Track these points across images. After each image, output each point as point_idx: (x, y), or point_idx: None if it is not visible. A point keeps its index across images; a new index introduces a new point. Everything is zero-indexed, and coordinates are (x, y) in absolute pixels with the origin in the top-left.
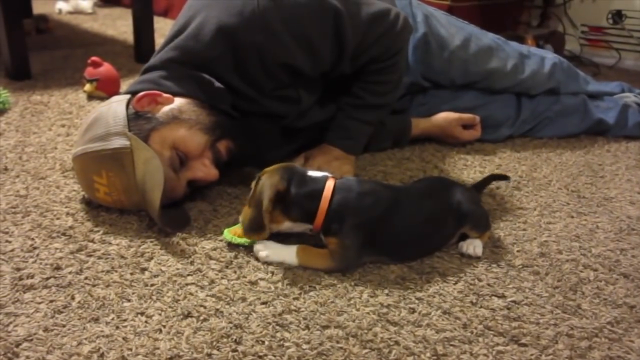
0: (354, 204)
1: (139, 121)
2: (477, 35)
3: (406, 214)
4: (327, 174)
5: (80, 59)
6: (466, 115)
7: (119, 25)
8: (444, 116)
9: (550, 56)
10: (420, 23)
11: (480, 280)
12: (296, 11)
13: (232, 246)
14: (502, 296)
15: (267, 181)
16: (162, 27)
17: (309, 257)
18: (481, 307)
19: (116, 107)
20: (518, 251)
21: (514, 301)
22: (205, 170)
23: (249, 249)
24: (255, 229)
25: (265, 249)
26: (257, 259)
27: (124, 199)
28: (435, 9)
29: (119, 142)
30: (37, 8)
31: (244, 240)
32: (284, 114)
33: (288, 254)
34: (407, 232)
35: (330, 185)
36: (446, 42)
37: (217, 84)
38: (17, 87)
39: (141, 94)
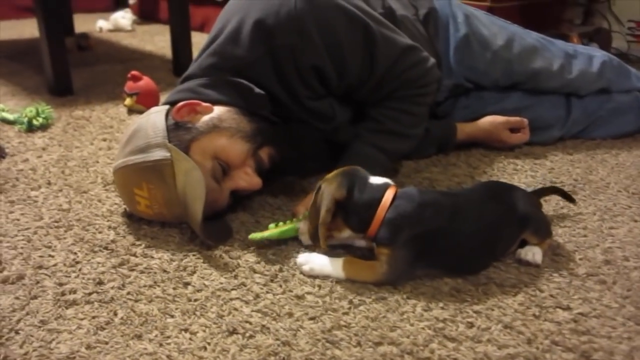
0: (413, 214)
1: (179, 132)
2: (521, 34)
3: (467, 223)
4: (388, 182)
5: (120, 75)
6: (513, 119)
7: (157, 40)
8: (490, 120)
9: (599, 54)
10: (461, 23)
11: (541, 291)
12: (330, 18)
13: (275, 259)
14: (568, 308)
15: (326, 190)
16: (199, 42)
17: (356, 270)
18: (545, 320)
19: (155, 118)
20: (580, 259)
21: (580, 313)
22: (247, 179)
23: (284, 257)
24: (315, 239)
25: (309, 263)
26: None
27: (165, 211)
28: (476, 8)
29: (159, 154)
30: (79, 26)
31: (268, 234)
32: (318, 127)
33: (334, 267)
34: (468, 242)
35: (390, 194)
36: (489, 42)
37: (257, 89)
38: (60, 103)
39: (180, 104)
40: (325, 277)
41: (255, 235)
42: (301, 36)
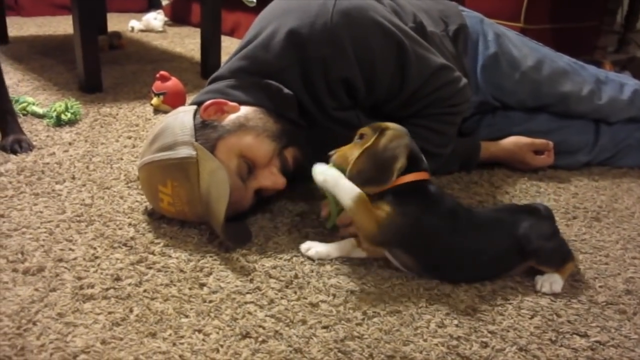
0: (421, 206)
1: (206, 130)
2: (552, 57)
3: (460, 233)
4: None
5: (149, 75)
6: (539, 141)
7: (187, 43)
8: (514, 140)
9: (631, 83)
10: (492, 42)
11: (559, 316)
12: (365, 33)
13: (292, 266)
14: (585, 335)
15: (401, 140)
16: (228, 46)
17: (363, 210)
18: (562, 346)
19: (183, 116)
20: (600, 287)
21: (598, 342)
22: (272, 178)
23: (300, 264)
24: (376, 181)
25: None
26: (317, 279)
27: (187, 210)
28: (508, 28)
29: (185, 152)
30: (112, 26)
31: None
32: (343, 135)
33: (348, 194)
34: (452, 251)
35: (422, 175)
36: (518, 63)
37: (286, 90)
38: (89, 100)
39: (208, 102)
40: (339, 287)
41: (329, 225)
42: (334, 48)
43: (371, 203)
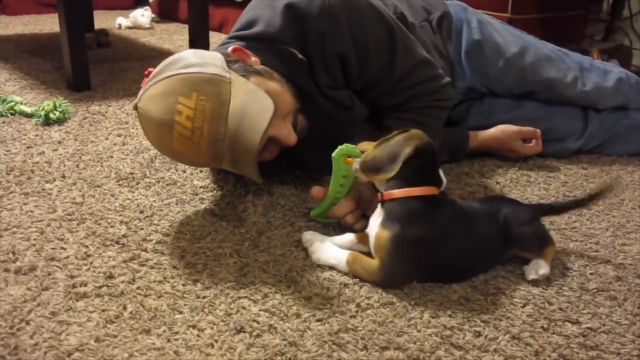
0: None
1: (235, 65)
2: (536, 44)
3: (456, 235)
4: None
5: (137, 72)
6: (526, 128)
7: (175, 39)
8: (502, 129)
9: (616, 70)
10: (475, 29)
11: (550, 304)
12: (361, 14)
13: (285, 260)
14: (577, 322)
15: (416, 137)
16: (217, 42)
17: (359, 265)
18: (554, 333)
19: (209, 51)
20: (591, 274)
21: (589, 328)
22: (286, 130)
23: (294, 258)
24: (378, 168)
25: (316, 253)
26: (310, 272)
27: (206, 128)
28: (492, 17)
29: (218, 70)
30: (98, 23)
31: (324, 207)
32: (337, 116)
33: (339, 259)
34: (453, 253)
35: (428, 190)
36: (502, 49)
37: (300, 55)
38: (77, 98)
39: (235, 45)
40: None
41: (316, 212)
42: (332, 24)
43: (381, 229)
